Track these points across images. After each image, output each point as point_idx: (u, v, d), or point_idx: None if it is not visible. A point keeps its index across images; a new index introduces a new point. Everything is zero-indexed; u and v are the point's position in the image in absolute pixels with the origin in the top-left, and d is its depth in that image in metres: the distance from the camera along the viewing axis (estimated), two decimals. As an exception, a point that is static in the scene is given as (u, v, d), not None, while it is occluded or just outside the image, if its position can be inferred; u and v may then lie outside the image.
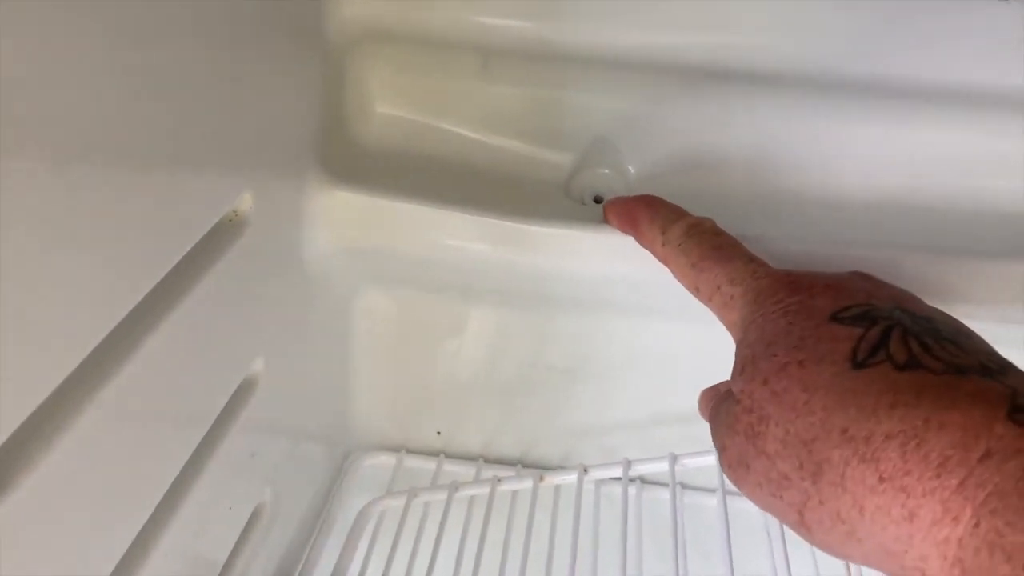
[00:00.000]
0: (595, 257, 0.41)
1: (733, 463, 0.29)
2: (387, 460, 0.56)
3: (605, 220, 0.40)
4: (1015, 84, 0.41)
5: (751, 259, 0.33)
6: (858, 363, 0.26)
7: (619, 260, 0.41)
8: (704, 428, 0.53)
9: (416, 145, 0.45)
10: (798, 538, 0.47)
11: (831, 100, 0.43)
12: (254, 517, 0.40)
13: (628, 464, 0.48)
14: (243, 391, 0.35)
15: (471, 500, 0.50)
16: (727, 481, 0.44)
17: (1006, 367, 0.25)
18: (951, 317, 0.29)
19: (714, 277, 0.33)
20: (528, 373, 0.53)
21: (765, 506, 0.28)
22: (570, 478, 0.49)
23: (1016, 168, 0.43)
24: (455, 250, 0.42)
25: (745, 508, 0.53)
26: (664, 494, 0.54)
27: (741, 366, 0.29)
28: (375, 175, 0.42)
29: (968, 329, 0.28)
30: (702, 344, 0.50)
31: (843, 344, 0.27)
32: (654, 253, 0.37)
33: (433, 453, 0.57)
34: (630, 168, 0.45)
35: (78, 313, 0.22)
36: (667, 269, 0.36)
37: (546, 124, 0.45)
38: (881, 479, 0.24)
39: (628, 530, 0.45)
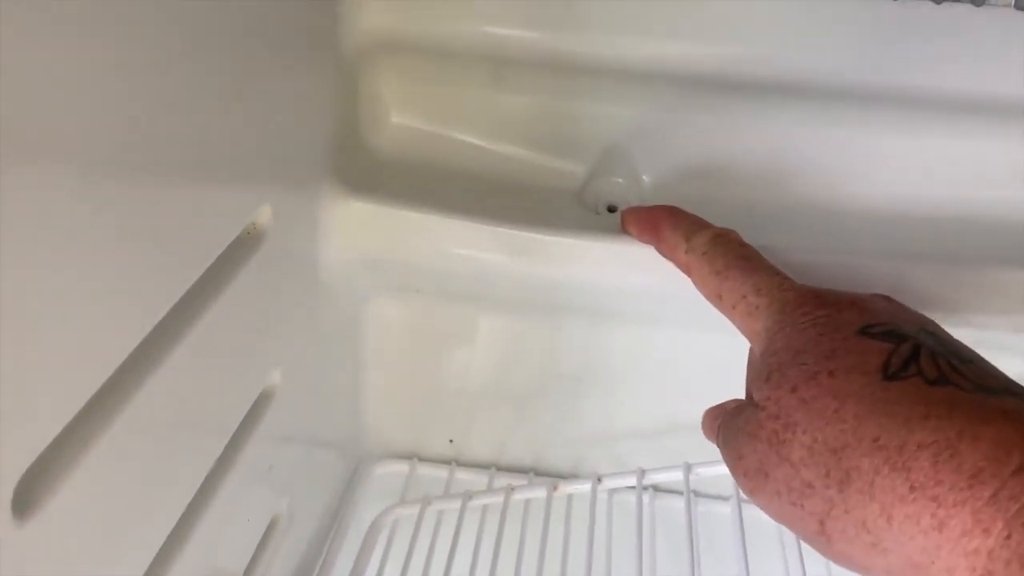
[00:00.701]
0: (608, 267, 0.41)
1: (751, 471, 0.29)
2: (399, 468, 0.56)
3: (623, 229, 0.40)
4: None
5: (777, 272, 0.33)
6: (889, 375, 0.26)
7: (632, 270, 0.41)
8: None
9: (430, 155, 0.45)
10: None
11: (842, 110, 0.43)
12: (270, 528, 0.40)
13: (642, 473, 0.48)
14: (261, 403, 0.35)
15: (484, 509, 0.50)
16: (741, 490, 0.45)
17: None
18: (969, 348, 0.29)
19: (739, 286, 0.33)
20: (539, 381, 0.53)
21: (781, 516, 0.28)
22: (584, 487, 0.49)
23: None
24: (468, 259, 0.42)
25: (759, 516, 0.53)
26: (676, 502, 0.54)
27: (767, 374, 0.29)
28: (389, 185, 0.42)
29: (988, 362, 0.28)
30: (713, 353, 0.50)
31: (874, 357, 0.27)
32: (675, 260, 0.37)
33: (445, 461, 0.57)
34: (644, 177, 0.45)
35: (104, 330, 0.22)
36: (687, 277, 0.36)
37: (559, 133, 0.45)
38: (912, 488, 0.24)
39: (643, 539, 0.45)
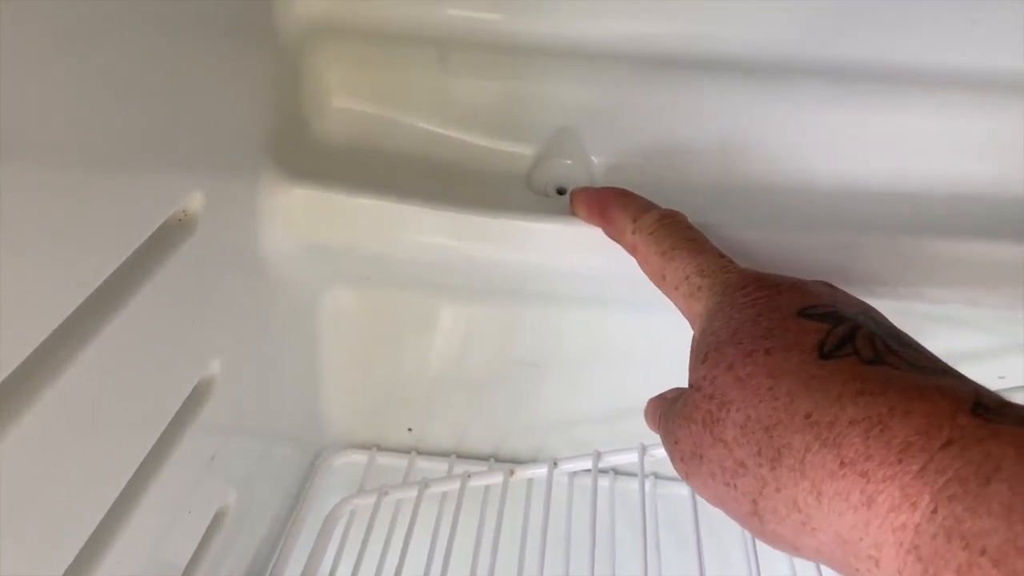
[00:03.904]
0: (559, 250, 0.41)
1: (687, 455, 0.29)
2: (359, 458, 0.56)
3: (572, 210, 0.40)
4: (989, 66, 0.41)
5: (721, 255, 0.33)
6: (825, 354, 0.26)
7: (583, 252, 0.41)
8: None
9: (375, 140, 0.44)
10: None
11: (798, 87, 0.43)
12: (216, 520, 0.39)
13: (598, 456, 0.47)
14: (198, 394, 0.35)
15: (443, 496, 0.50)
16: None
17: (965, 377, 0.25)
18: (909, 336, 0.29)
19: (684, 266, 0.33)
20: (496, 367, 0.53)
21: (717, 498, 0.28)
22: (541, 471, 0.48)
23: (988, 151, 0.43)
24: (417, 245, 0.41)
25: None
26: (637, 484, 0.54)
27: (704, 354, 0.29)
28: (334, 171, 0.41)
29: (927, 350, 0.28)
30: (668, 335, 0.50)
31: (810, 336, 0.27)
32: (622, 241, 0.37)
33: (405, 450, 0.57)
34: (593, 159, 0.45)
35: (13, 317, 0.22)
36: (633, 258, 0.36)
37: (507, 116, 0.45)
38: (842, 464, 0.24)
39: (599, 521, 0.45)
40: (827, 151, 0.44)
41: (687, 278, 0.32)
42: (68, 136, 0.23)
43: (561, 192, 0.44)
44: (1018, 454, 0.21)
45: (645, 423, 0.53)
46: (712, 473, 0.28)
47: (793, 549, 0.26)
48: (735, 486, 0.27)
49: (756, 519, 0.26)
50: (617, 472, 0.55)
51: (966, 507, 0.21)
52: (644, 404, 0.53)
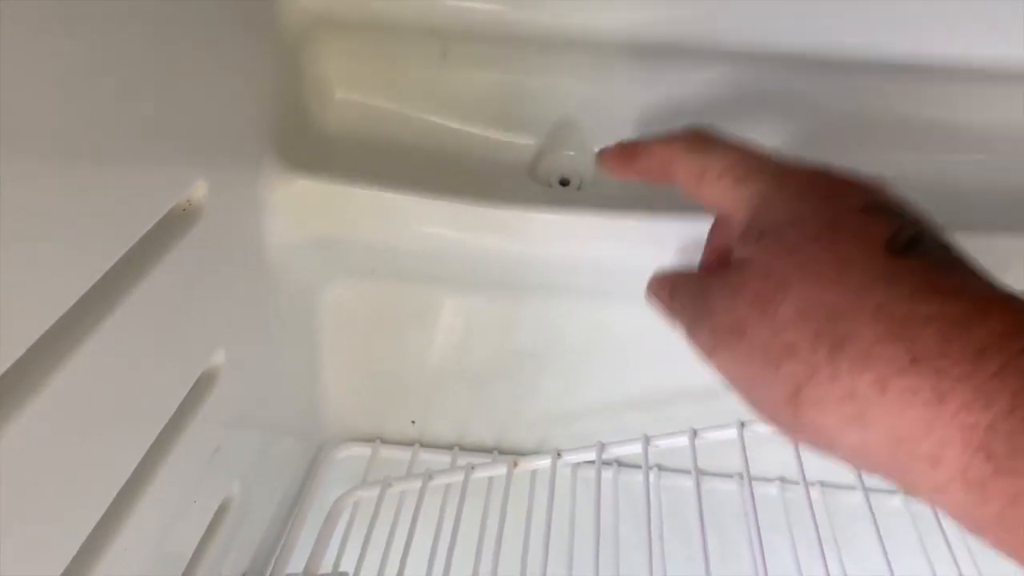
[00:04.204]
0: (562, 240, 0.41)
1: (721, 328, 0.27)
2: (361, 451, 0.56)
3: (604, 165, 0.38)
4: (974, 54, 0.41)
5: (762, 149, 0.32)
6: (896, 250, 0.26)
7: (586, 243, 0.41)
8: (680, 410, 0.53)
9: (377, 132, 0.44)
10: (774, 518, 0.48)
11: (803, 77, 0.43)
12: (221, 511, 0.39)
13: (602, 447, 0.47)
14: (203, 384, 0.35)
15: (446, 488, 0.50)
16: (701, 461, 0.45)
17: None
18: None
19: (726, 155, 0.31)
20: (499, 359, 0.52)
21: (746, 377, 0.27)
22: (544, 463, 0.48)
23: (972, 140, 0.43)
24: (419, 236, 0.41)
25: (723, 489, 0.54)
26: (641, 476, 0.54)
27: (758, 233, 0.28)
28: (336, 163, 0.41)
29: None
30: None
31: (878, 232, 0.26)
32: (651, 160, 0.35)
33: (408, 443, 0.57)
34: (595, 149, 0.45)
35: (16, 307, 0.22)
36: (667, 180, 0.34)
37: (509, 107, 0.45)
38: (914, 360, 0.23)
39: (603, 512, 0.45)
40: (831, 142, 0.44)
41: (732, 167, 0.31)
42: (70, 126, 0.23)
43: (564, 183, 0.44)
44: None
45: (652, 415, 0.53)
46: (750, 352, 0.26)
47: (827, 444, 0.25)
48: (777, 368, 0.25)
49: (792, 407, 0.25)
50: (621, 464, 0.55)
51: None
52: (650, 396, 0.53)
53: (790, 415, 0.25)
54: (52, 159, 0.23)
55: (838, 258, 0.26)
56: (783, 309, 0.26)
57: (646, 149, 0.36)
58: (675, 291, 0.32)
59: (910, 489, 0.24)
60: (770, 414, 0.26)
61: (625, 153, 0.37)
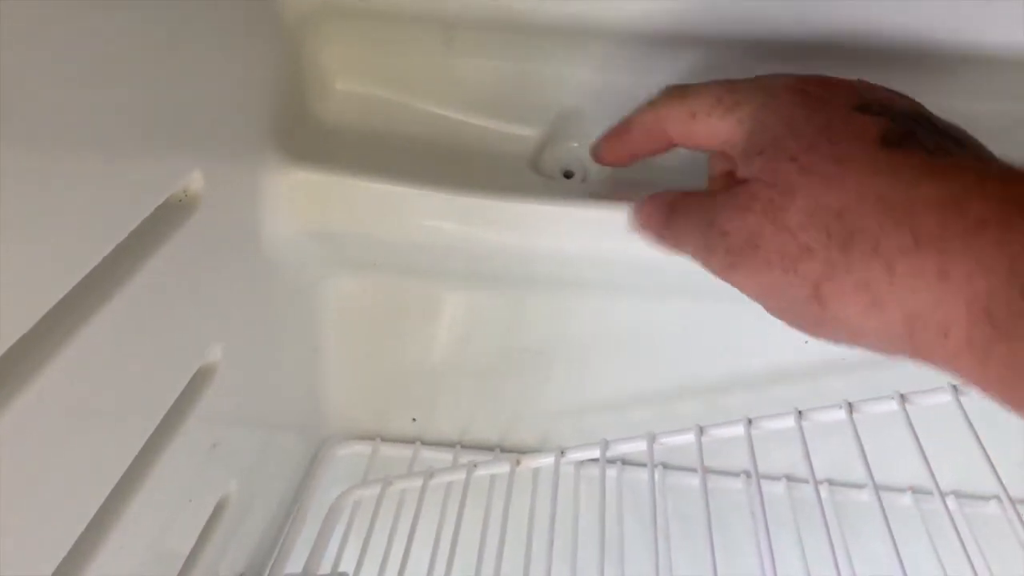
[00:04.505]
0: (565, 233, 0.40)
1: (736, 246, 0.29)
2: (362, 449, 0.55)
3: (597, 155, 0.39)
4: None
5: (738, 80, 0.33)
6: (890, 144, 0.27)
7: (590, 236, 0.40)
8: (687, 407, 0.52)
9: (378, 122, 0.43)
10: (781, 517, 0.47)
11: (813, 68, 0.42)
12: (218, 509, 0.38)
13: (606, 444, 0.47)
14: (199, 379, 0.34)
15: (448, 487, 0.49)
16: (707, 459, 0.44)
17: None
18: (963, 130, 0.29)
19: (712, 91, 0.33)
20: (502, 355, 0.52)
21: (768, 286, 0.28)
22: (547, 461, 0.48)
23: (978, 131, 0.42)
24: (421, 229, 0.41)
25: (729, 487, 0.53)
26: (645, 474, 0.53)
27: (759, 149, 0.29)
28: (336, 154, 0.40)
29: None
30: (677, 320, 0.50)
31: (872, 129, 0.27)
32: (646, 124, 0.36)
33: (409, 440, 0.56)
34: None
35: (3, 298, 0.21)
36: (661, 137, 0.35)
37: (513, 97, 0.44)
38: (917, 241, 0.24)
39: (607, 511, 0.44)
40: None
41: (719, 100, 0.32)
42: (62, 113, 0.23)
43: (568, 175, 0.43)
44: None
45: (658, 411, 0.53)
46: (768, 261, 0.27)
47: (852, 334, 0.26)
48: (795, 271, 0.27)
49: (816, 304, 0.26)
50: (625, 462, 0.54)
51: None
52: (654, 392, 0.52)
53: (815, 313, 0.27)
54: (41, 146, 0.22)
55: (837, 159, 0.27)
56: (792, 214, 0.27)
57: (632, 122, 0.37)
58: (674, 216, 0.33)
59: (930, 363, 0.25)
60: (796, 317, 0.28)
61: (614, 136, 0.38)
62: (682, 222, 0.32)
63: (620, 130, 0.38)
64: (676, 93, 0.34)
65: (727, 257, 0.29)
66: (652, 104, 0.35)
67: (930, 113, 0.29)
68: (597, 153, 0.39)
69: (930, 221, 0.24)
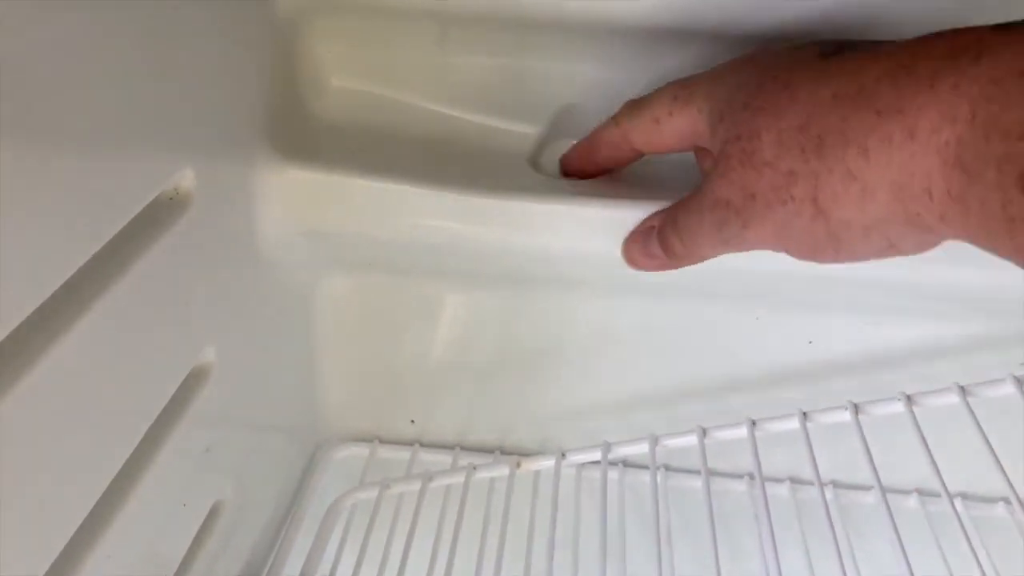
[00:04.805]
0: (565, 232, 0.39)
1: (739, 204, 0.29)
2: (360, 451, 0.54)
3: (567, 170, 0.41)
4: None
5: (690, 75, 0.35)
6: (828, 55, 0.28)
7: (590, 235, 0.39)
8: (689, 408, 0.52)
9: (375, 120, 0.43)
10: (785, 519, 0.46)
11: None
12: (213, 514, 0.38)
13: (608, 447, 0.46)
14: (192, 381, 0.33)
15: (447, 489, 0.48)
16: (710, 461, 0.43)
17: None
18: None
19: (662, 95, 0.34)
20: (502, 356, 0.51)
21: (780, 225, 0.29)
22: (548, 463, 0.47)
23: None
24: (418, 228, 0.40)
25: (732, 489, 0.53)
26: (647, 476, 0.53)
27: (719, 117, 0.31)
28: (332, 152, 0.40)
29: None
30: (678, 320, 0.49)
31: (809, 52, 0.29)
32: (612, 139, 0.37)
33: (407, 442, 0.55)
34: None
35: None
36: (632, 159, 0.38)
37: (510, 94, 0.43)
38: (878, 113, 0.25)
39: (609, 514, 0.43)
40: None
41: (674, 98, 0.34)
42: (50, 109, 0.22)
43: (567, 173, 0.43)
44: None
45: (659, 413, 0.52)
46: (768, 202, 0.28)
47: (864, 235, 0.27)
48: (792, 197, 0.28)
49: (821, 219, 0.27)
50: (627, 464, 0.53)
51: (1002, 104, 0.21)
52: (656, 393, 0.52)
53: (824, 230, 0.28)
54: (25, 142, 0.21)
55: (784, 84, 0.28)
56: (765, 150, 0.28)
57: (598, 140, 0.38)
58: (674, 231, 0.34)
59: (930, 234, 0.26)
60: (814, 245, 0.29)
61: (581, 153, 0.40)
62: (686, 231, 0.33)
63: (586, 147, 0.39)
64: (636, 106, 0.36)
65: (737, 220, 0.30)
66: (615, 120, 0.37)
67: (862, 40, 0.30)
68: (565, 170, 0.41)
69: (885, 91, 0.25)
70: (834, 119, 0.26)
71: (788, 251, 0.30)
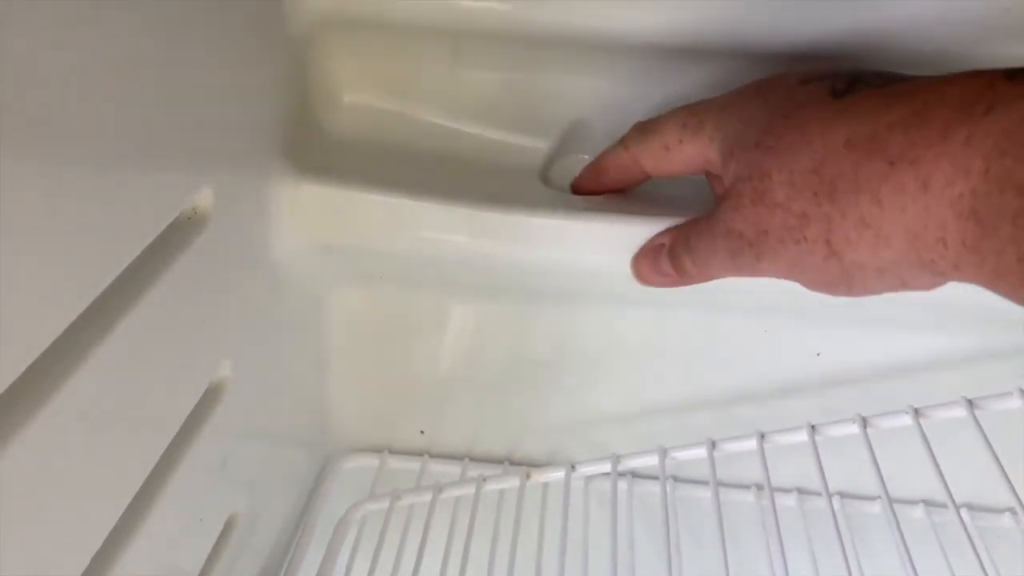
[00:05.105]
0: (575, 246, 0.40)
1: (751, 238, 0.30)
2: (370, 462, 0.55)
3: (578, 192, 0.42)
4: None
5: (698, 101, 0.35)
6: (840, 93, 0.28)
7: (600, 249, 0.40)
8: (696, 419, 0.52)
9: (387, 135, 0.43)
10: (792, 530, 0.47)
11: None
12: (228, 527, 0.38)
13: (617, 459, 0.46)
14: (210, 396, 0.33)
15: (456, 501, 0.48)
16: (719, 471, 0.44)
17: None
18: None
19: (673, 122, 0.34)
20: (511, 368, 0.51)
21: (792, 261, 0.29)
22: (558, 475, 0.47)
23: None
24: (430, 242, 0.40)
25: (739, 500, 0.53)
26: (656, 488, 0.53)
27: (728, 152, 0.31)
28: (344, 167, 0.40)
29: None
30: (686, 332, 0.49)
31: (820, 90, 0.29)
32: (621, 163, 0.38)
33: (417, 453, 0.55)
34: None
35: (18, 320, 0.21)
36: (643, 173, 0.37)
37: (522, 109, 0.44)
38: (891, 163, 0.25)
39: (619, 526, 0.44)
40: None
41: (683, 126, 0.34)
42: (71, 132, 0.22)
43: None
44: None
45: (668, 424, 0.52)
46: (780, 239, 0.29)
47: (878, 275, 0.27)
48: (805, 237, 0.28)
49: (835, 260, 0.27)
50: (635, 475, 0.53)
51: (1015, 158, 0.21)
52: (664, 404, 0.52)
53: (837, 269, 0.28)
54: (53, 166, 0.22)
55: (795, 126, 0.28)
56: (777, 191, 0.28)
57: (606, 163, 0.39)
58: (686, 251, 0.34)
59: (944, 278, 0.26)
60: (827, 281, 0.29)
61: (591, 176, 0.40)
62: (698, 253, 0.33)
63: (596, 170, 0.39)
64: (645, 130, 0.36)
65: (751, 251, 0.30)
66: (624, 144, 0.37)
67: (873, 69, 0.30)
68: (576, 191, 0.41)
69: (897, 141, 0.24)
70: (847, 165, 0.26)
71: (801, 283, 0.30)
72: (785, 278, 0.30)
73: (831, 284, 0.29)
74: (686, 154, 0.34)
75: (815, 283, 0.29)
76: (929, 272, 0.26)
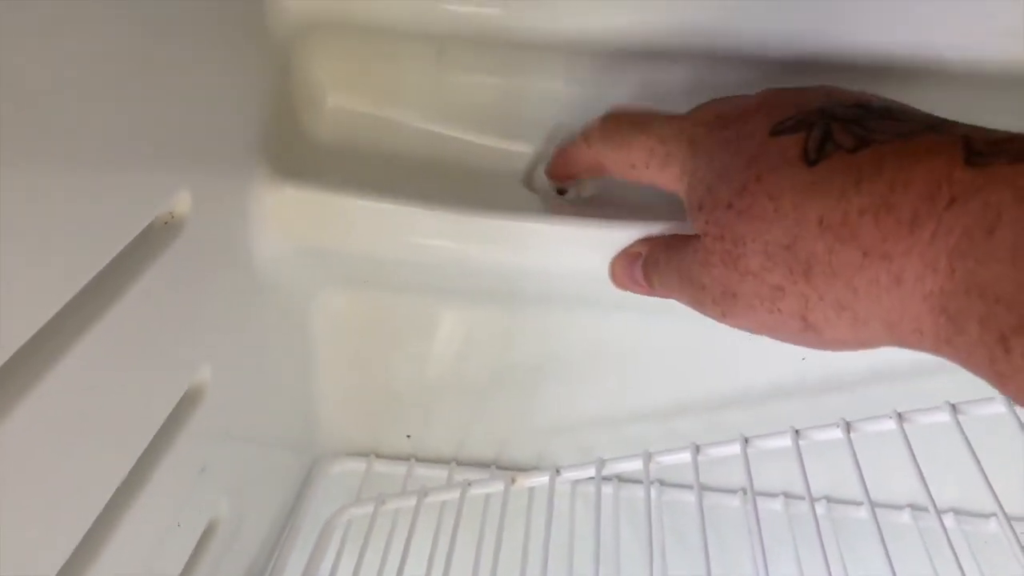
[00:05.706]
0: (559, 250, 0.40)
1: (718, 297, 0.30)
2: (356, 466, 0.55)
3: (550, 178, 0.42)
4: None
5: (672, 116, 0.34)
6: (812, 160, 0.27)
7: (585, 253, 0.40)
8: (682, 423, 0.52)
9: (370, 139, 0.43)
10: (779, 535, 0.46)
11: (809, 80, 0.42)
12: (208, 531, 0.38)
13: (602, 463, 0.46)
14: (188, 401, 0.33)
15: (442, 505, 0.48)
16: (704, 475, 0.44)
17: (947, 121, 0.26)
18: (877, 95, 0.30)
19: (643, 144, 0.34)
20: (497, 372, 0.51)
21: (762, 325, 0.29)
22: (543, 479, 0.47)
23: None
24: (413, 247, 0.40)
25: (725, 504, 0.53)
26: (642, 492, 0.53)
27: (698, 203, 0.30)
28: (327, 171, 0.40)
29: (898, 102, 0.29)
30: (671, 338, 0.49)
31: (791, 150, 0.28)
32: (581, 162, 0.38)
33: (403, 457, 0.55)
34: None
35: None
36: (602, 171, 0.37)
37: (506, 113, 0.43)
38: (864, 254, 0.25)
39: (603, 530, 0.44)
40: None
41: (651, 154, 0.33)
42: (44, 133, 0.22)
43: (561, 192, 0.43)
44: (1015, 196, 0.21)
45: (654, 428, 0.52)
46: (751, 305, 0.28)
47: (857, 345, 0.27)
48: (779, 310, 0.28)
49: (812, 333, 0.27)
50: (621, 479, 0.53)
51: (976, 260, 0.22)
52: (650, 408, 0.52)
53: (815, 339, 0.28)
54: (25, 167, 0.21)
55: (769, 193, 0.27)
56: (751, 259, 0.28)
57: (572, 156, 0.38)
58: (656, 271, 0.34)
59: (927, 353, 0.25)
60: (802, 343, 0.29)
61: (559, 163, 0.40)
62: (665, 279, 0.34)
63: (564, 157, 0.39)
64: (608, 135, 0.35)
65: (716, 307, 0.30)
66: (587, 141, 0.37)
67: (840, 94, 0.30)
68: (548, 173, 0.42)
69: (869, 231, 0.24)
70: (821, 247, 0.26)
71: (772, 338, 0.30)
72: (752, 333, 0.30)
73: (806, 345, 0.29)
74: (653, 178, 0.34)
75: (789, 341, 0.29)
76: (909, 349, 0.26)
